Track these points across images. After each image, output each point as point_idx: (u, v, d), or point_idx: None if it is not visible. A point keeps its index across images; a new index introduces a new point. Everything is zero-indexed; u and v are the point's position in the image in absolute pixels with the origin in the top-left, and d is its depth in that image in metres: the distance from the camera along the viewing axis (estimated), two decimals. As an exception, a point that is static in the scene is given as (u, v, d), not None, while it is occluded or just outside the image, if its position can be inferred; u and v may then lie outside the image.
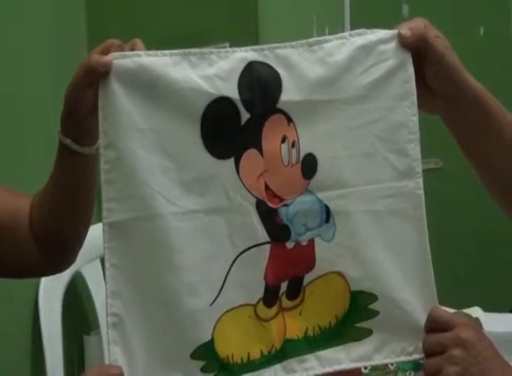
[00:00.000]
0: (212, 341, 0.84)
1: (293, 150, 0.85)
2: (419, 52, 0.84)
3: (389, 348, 0.88)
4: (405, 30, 0.84)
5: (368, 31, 0.86)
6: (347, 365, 0.89)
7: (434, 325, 0.85)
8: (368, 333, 0.88)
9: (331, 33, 0.90)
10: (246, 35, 1.53)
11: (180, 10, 1.68)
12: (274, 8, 1.71)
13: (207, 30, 1.59)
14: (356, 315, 0.88)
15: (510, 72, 2.31)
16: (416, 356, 0.87)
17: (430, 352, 0.84)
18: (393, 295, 0.86)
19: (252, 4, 1.60)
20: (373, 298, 0.87)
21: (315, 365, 0.88)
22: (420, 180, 0.86)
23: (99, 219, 0.83)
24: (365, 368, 1.02)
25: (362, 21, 1.50)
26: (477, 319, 1.30)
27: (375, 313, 0.87)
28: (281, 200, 0.85)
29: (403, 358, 0.89)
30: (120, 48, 0.83)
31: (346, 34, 0.86)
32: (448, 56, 0.84)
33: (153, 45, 0.85)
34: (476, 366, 0.81)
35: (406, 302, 0.86)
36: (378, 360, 0.90)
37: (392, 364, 1.03)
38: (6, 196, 1.00)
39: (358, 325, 0.88)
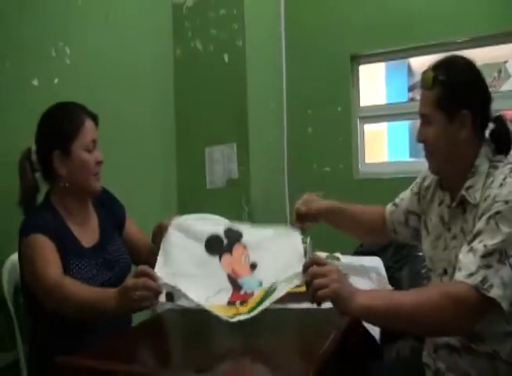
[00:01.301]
0: None
1: (246, 259, 1.72)
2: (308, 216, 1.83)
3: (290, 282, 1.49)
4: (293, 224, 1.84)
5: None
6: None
7: (314, 262, 1.37)
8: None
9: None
10: (242, 140, 2.97)
11: (212, 129, 3.07)
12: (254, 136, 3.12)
13: (223, 136, 3.00)
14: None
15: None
16: (301, 279, 1.43)
17: (315, 277, 1.33)
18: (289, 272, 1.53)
19: (244, 132, 2.99)
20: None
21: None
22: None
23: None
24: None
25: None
26: (338, 258, 2.48)
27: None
28: (239, 276, 1.67)
29: (297, 282, 1.47)
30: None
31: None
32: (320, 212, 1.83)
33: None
34: (344, 284, 1.33)
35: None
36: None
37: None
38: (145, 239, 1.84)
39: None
